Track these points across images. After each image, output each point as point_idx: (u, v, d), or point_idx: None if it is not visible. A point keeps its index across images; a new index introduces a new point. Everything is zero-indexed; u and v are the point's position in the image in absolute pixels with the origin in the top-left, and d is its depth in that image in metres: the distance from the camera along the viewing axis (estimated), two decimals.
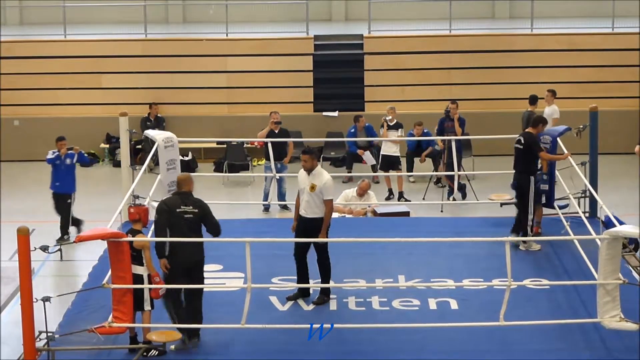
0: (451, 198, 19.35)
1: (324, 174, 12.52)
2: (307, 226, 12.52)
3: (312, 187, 12.40)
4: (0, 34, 24.27)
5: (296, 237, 12.65)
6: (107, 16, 27.05)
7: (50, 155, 18.09)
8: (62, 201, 18.05)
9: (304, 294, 12.64)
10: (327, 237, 12.48)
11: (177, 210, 11.54)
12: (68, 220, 17.98)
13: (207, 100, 24.17)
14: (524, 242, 14.06)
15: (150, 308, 11.33)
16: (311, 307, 12.52)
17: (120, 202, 14.14)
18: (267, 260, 13.64)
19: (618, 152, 22.84)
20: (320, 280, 12.63)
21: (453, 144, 18.45)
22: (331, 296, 12.74)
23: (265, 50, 24.28)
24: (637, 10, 25.19)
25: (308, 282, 12.57)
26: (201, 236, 11.67)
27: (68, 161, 18.08)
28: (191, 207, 11.59)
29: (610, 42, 24.26)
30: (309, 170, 12.51)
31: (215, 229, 11.80)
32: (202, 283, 11.71)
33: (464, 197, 19.65)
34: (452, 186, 19.15)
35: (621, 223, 14.58)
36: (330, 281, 12.65)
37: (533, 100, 21.02)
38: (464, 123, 20.25)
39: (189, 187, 11.83)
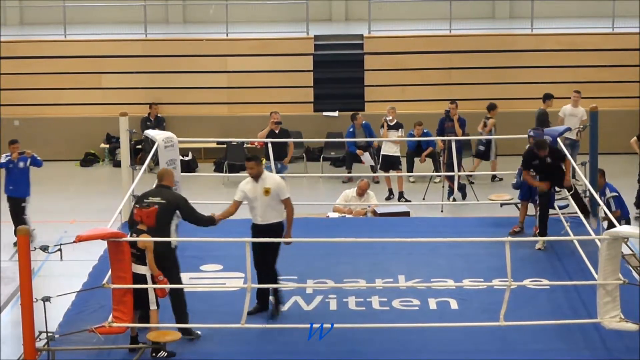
0: (451, 198, 19.35)
1: (273, 176, 12.30)
2: (266, 233, 11.99)
3: (267, 191, 12.04)
4: (0, 34, 24.27)
5: (253, 247, 12.05)
6: (107, 16, 27.07)
7: (2, 160, 17.96)
8: (17, 205, 17.87)
9: (263, 307, 12.21)
10: (291, 237, 12.09)
11: (144, 200, 11.76)
12: (24, 224, 17.77)
13: (207, 100, 24.18)
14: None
15: (156, 307, 11.33)
16: (311, 307, 12.51)
17: (120, 202, 14.14)
18: None
19: (618, 152, 22.84)
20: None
21: (453, 144, 18.45)
22: (331, 296, 12.73)
23: (265, 50, 24.29)
24: (637, 10, 25.19)
25: (269, 295, 12.21)
26: (166, 229, 11.59)
27: (21, 165, 17.91)
28: (158, 199, 11.72)
29: (610, 42, 24.27)
30: (257, 177, 12.17)
31: (194, 220, 11.89)
32: (176, 278, 11.66)
33: (464, 197, 19.65)
34: (452, 186, 19.14)
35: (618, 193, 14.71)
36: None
37: (546, 97, 21.05)
38: (464, 123, 20.26)
39: (167, 181, 12.02)
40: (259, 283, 12.09)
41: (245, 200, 12.22)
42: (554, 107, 21.31)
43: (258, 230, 12.15)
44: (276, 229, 12.07)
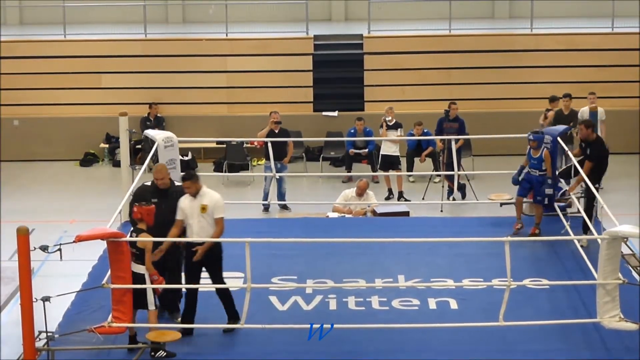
0: (451, 198, 19.34)
1: (212, 193, 11.80)
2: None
3: (204, 208, 11.65)
4: (0, 34, 24.26)
5: (188, 266, 11.88)
6: (107, 16, 27.04)
7: None
8: None
9: (188, 331, 11.74)
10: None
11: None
12: None
13: (206, 100, 24.16)
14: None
15: (154, 307, 11.32)
16: (311, 307, 12.52)
17: (120, 202, 14.15)
18: (267, 260, 13.65)
19: (618, 152, 22.82)
20: (225, 308, 11.93)
21: (453, 144, 18.42)
22: (330, 296, 12.74)
23: (265, 50, 24.28)
24: (637, 10, 25.18)
25: (194, 316, 11.86)
26: None
27: None
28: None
29: (610, 42, 24.25)
30: (195, 194, 11.76)
31: None
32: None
33: (463, 197, 19.63)
34: (451, 186, 19.14)
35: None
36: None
37: (564, 96, 21.03)
38: (463, 124, 20.11)
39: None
40: (187, 306, 11.87)
41: (183, 217, 11.86)
42: (560, 106, 21.21)
43: (193, 248, 11.77)
44: (212, 248, 11.75)
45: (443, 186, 20.06)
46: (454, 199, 19.28)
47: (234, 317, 11.79)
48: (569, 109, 20.81)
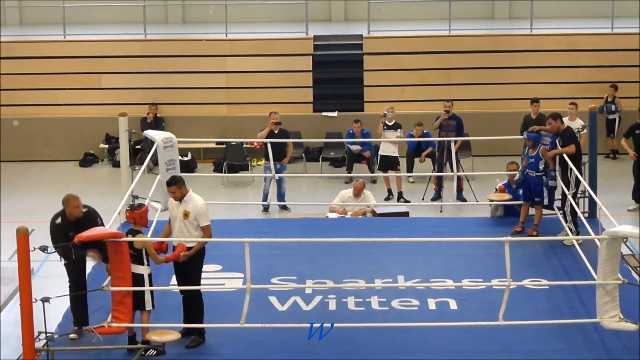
0: (450, 199, 19.29)
1: (196, 199, 11.63)
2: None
3: (185, 214, 11.55)
4: (0, 34, 24.26)
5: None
6: (107, 16, 27.06)
7: None
8: None
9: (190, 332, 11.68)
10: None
11: None
12: None
13: (206, 101, 24.17)
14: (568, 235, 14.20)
15: (151, 307, 11.34)
16: (311, 307, 12.52)
17: (119, 202, 14.15)
18: (267, 260, 13.65)
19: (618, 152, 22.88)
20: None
21: (452, 144, 18.40)
22: (330, 296, 12.73)
23: (264, 51, 24.28)
24: (637, 10, 25.19)
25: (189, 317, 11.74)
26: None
27: None
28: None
29: (610, 42, 24.26)
30: (180, 199, 11.67)
31: None
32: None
33: (440, 190, 19.59)
34: (436, 189, 19.22)
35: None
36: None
37: (533, 101, 21.02)
38: (461, 124, 20.08)
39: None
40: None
41: (170, 218, 11.86)
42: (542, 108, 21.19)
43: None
44: (193, 256, 11.63)
45: (443, 187, 20.03)
46: (459, 199, 19.24)
47: (199, 332, 11.61)
48: (537, 114, 20.70)
